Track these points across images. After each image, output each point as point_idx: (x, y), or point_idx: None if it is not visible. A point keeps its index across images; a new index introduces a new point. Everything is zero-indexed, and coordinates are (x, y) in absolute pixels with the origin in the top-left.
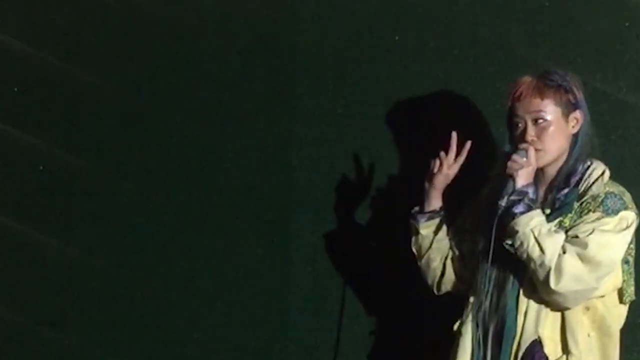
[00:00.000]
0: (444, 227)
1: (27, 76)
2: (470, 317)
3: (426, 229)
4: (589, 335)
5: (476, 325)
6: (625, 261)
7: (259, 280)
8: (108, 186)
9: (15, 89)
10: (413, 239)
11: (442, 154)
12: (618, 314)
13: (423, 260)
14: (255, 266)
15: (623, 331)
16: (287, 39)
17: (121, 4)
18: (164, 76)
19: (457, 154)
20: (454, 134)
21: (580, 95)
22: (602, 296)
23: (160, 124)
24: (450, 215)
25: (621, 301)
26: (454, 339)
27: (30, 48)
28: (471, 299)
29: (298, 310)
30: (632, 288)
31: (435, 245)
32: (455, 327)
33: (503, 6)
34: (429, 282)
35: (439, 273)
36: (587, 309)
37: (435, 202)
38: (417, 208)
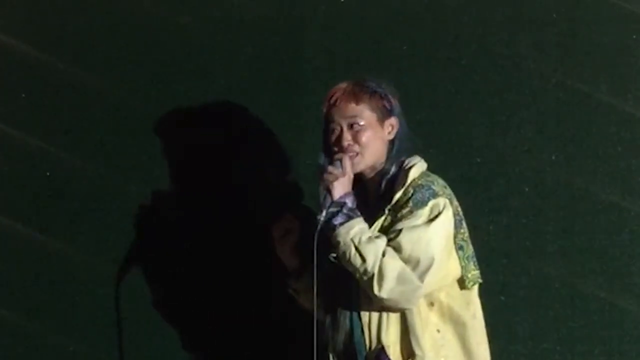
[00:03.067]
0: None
1: (35, 82)
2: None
3: (301, 285)
4: (438, 331)
5: (329, 351)
6: (459, 247)
7: (264, 284)
8: (114, 191)
9: (23, 95)
10: (299, 302)
11: (274, 227)
12: (466, 301)
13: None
14: (261, 271)
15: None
16: (295, 48)
17: (129, 10)
18: (172, 83)
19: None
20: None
21: (395, 102)
22: (444, 286)
23: (167, 130)
24: None
25: (463, 287)
26: None
27: (37, 53)
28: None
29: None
30: (475, 272)
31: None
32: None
33: (511, 17)
34: None
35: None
36: (432, 304)
37: (293, 262)
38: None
